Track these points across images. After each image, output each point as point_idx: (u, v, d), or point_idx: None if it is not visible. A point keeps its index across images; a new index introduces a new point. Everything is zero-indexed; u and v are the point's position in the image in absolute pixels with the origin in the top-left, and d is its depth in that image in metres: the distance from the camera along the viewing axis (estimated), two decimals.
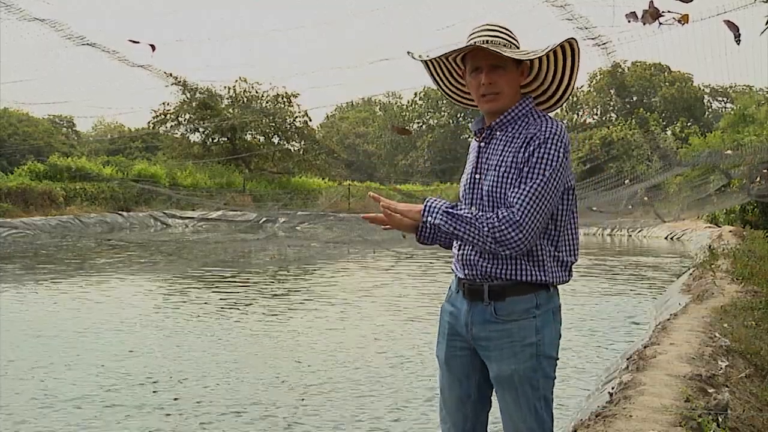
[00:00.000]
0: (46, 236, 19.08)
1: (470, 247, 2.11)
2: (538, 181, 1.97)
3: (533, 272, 2.05)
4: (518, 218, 1.94)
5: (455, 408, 2.21)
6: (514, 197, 1.97)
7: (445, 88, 2.29)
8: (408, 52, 2.20)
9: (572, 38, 2.03)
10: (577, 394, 5.12)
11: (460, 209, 2.02)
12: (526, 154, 2.00)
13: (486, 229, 1.96)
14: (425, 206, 2.05)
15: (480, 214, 1.99)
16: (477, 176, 2.12)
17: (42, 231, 19.11)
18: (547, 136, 2.00)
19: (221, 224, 25.12)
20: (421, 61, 2.20)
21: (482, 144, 2.14)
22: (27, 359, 6.18)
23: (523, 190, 1.97)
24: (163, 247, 16.39)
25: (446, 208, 2.02)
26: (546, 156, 1.98)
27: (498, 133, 2.11)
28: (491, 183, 2.05)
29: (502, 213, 1.96)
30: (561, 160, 2.00)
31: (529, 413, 2.06)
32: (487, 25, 2.09)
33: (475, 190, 2.12)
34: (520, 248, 1.98)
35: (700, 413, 3.38)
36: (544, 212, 1.98)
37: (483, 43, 2.01)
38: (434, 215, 2.02)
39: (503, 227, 1.95)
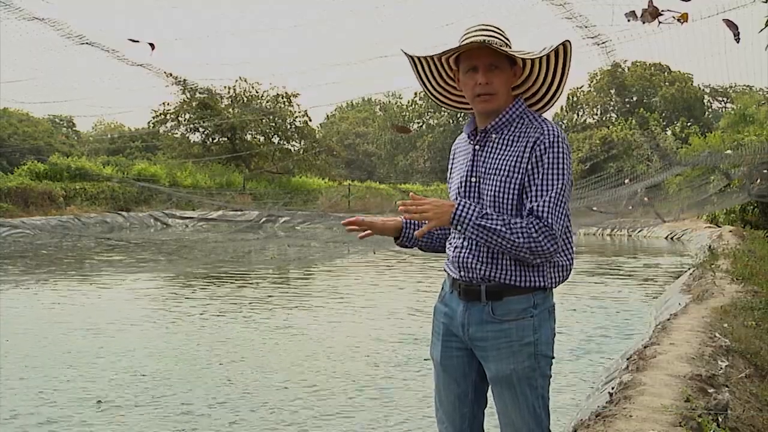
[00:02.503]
0: (46, 236, 19.08)
1: (467, 251, 2.09)
2: (559, 187, 1.97)
3: (532, 277, 2.05)
4: (554, 231, 1.95)
5: (452, 408, 2.21)
6: (545, 208, 1.95)
7: (431, 89, 2.26)
8: (402, 50, 2.18)
9: (567, 41, 2.03)
10: (577, 394, 5.11)
11: (491, 218, 1.95)
12: (534, 159, 1.99)
13: (521, 239, 1.94)
14: (455, 215, 1.96)
15: (513, 222, 1.95)
16: (473, 179, 2.09)
17: (42, 231, 19.12)
18: (552, 140, 2.00)
19: (221, 224, 25.11)
20: (410, 59, 2.19)
21: (477, 147, 2.12)
22: (27, 359, 6.17)
23: (551, 199, 1.96)
24: (164, 246, 16.39)
25: (477, 220, 1.95)
26: (558, 161, 1.99)
27: (494, 135, 2.09)
28: (494, 187, 2.04)
29: (538, 224, 1.94)
30: (569, 163, 2.02)
31: (527, 412, 2.06)
32: (481, 25, 2.08)
33: (472, 194, 2.09)
34: (551, 257, 1.99)
35: (700, 413, 3.38)
36: (565, 216, 2.01)
37: (482, 43, 2.01)
38: (464, 225, 1.96)
39: (541, 239, 1.93)
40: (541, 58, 2.07)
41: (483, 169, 2.08)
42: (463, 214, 1.96)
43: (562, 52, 2.05)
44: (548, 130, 2.01)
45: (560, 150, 2.00)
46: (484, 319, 2.08)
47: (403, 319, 8.22)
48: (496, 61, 2.04)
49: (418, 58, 2.18)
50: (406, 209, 1.99)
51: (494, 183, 2.04)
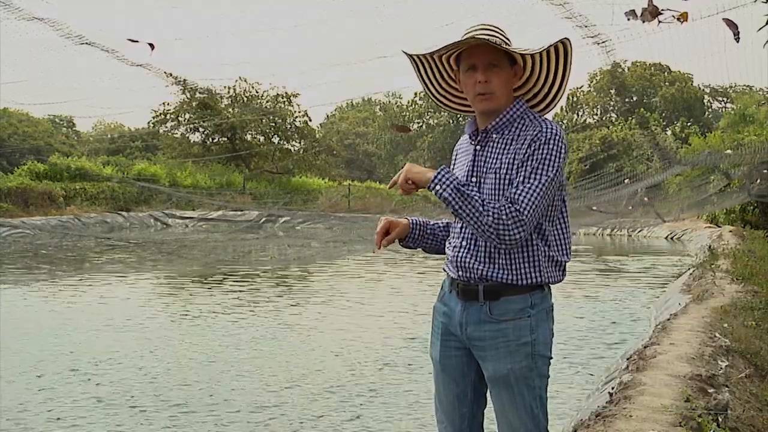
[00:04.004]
0: (46, 236, 19.08)
1: (466, 250, 2.10)
2: (543, 180, 1.97)
3: (530, 274, 2.05)
4: (524, 217, 1.94)
5: (451, 408, 2.20)
6: (521, 194, 1.95)
7: (434, 91, 2.27)
8: (403, 51, 2.18)
9: (566, 38, 2.03)
10: (577, 394, 5.11)
11: (471, 190, 1.99)
12: (528, 153, 2.00)
13: (490, 218, 1.94)
14: (437, 174, 1.99)
15: (487, 202, 1.97)
16: (473, 179, 2.10)
17: (42, 231, 19.12)
18: (548, 137, 2.00)
19: (221, 224, 25.12)
20: (411, 58, 2.19)
21: (478, 147, 2.13)
22: (28, 359, 6.17)
23: (530, 188, 1.96)
24: (164, 246, 16.38)
25: (457, 184, 1.98)
26: (549, 156, 1.99)
27: (494, 135, 2.10)
28: (493, 186, 2.04)
29: (509, 208, 1.94)
30: (562, 160, 2.01)
31: (525, 413, 2.05)
32: (482, 25, 2.08)
33: None
34: (516, 244, 1.98)
35: (700, 413, 3.37)
36: (541, 210, 1.99)
37: (480, 40, 2.01)
38: (443, 186, 1.97)
39: (509, 223, 1.93)
40: (541, 58, 2.07)
41: (484, 169, 2.09)
42: (446, 177, 1.99)
43: (563, 51, 2.05)
44: (546, 128, 2.02)
45: (554, 146, 2.00)
46: (481, 318, 2.08)
47: (403, 318, 8.22)
48: (495, 59, 2.04)
49: (419, 58, 2.18)
50: (392, 184, 2.09)
51: (493, 181, 2.05)
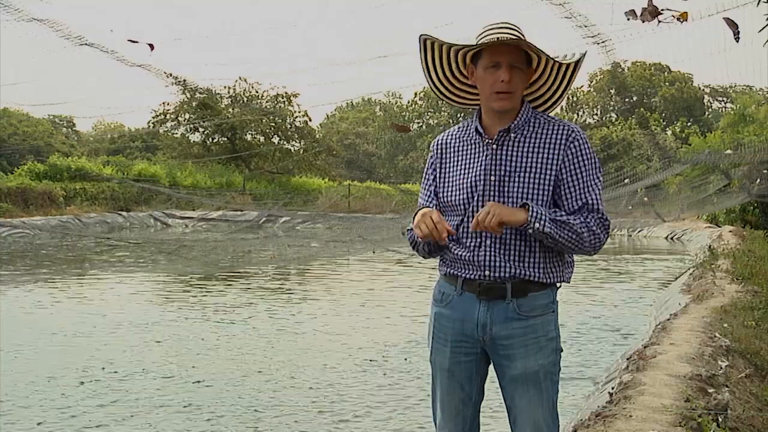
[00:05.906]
0: (46, 236, 19.07)
1: (491, 250, 2.06)
2: (601, 179, 2.08)
3: (555, 273, 2.10)
4: (607, 222, 2.06)
5: (455, 412, 2.18)
6: (596, 201, 2.04)
7: (435, 79, 2.20)
8: (423, 35, 2.11)
9: (585, 52, 2.08)
10: (577, 395, 5.11)
11: (561, 215, 2.01)
12: (569, 155, 2.05)
13: (587, 235, 2.01)
14: (532, 213, 1.96)
15: (573, 218, 2.02)
16: (493, 178, 2.07)
17: (42, 231, 19.10)
18: (584, 138, 2.08)
19: (221, 224, 25.11)
20: (425, 44, 2.12)
21: (495, 146, 2.09)
22: (29, 359, 6.17)
23: (598, 193, 2.05)
24: (163, 246, 16.37)
25: (551, 215, 1.99)
26: (591, 156, 2.07)
27: (512, 134, 2.09)
28: (523, 185, 2.04)
29: (595, 218, 2.03)
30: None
31: (548, 408, 2.08)
32: (505, 23, 2.06)
33: (492, 193, 2.05)
34: (602, 247, 2.08)
35: (700, 413, 3.38)
36: None
37: (511, 41, 2.00)
38: (543, 223, 1.97)
39: (600, 232, 2.04)
40: (554, 63, 2.08)
41: (506, 168, 2.06)
42: (539, 213, 1.98)
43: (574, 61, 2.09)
44: (574, 128, 2.08)
45: (589, 146, 2.09)
46: (509, 316, 2.06)
47: (403, 319, 8.22)
48: (518, 60, 2.03)
49: (432, 44, 2.11)
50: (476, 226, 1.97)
51: (523, 180, 2.04)
